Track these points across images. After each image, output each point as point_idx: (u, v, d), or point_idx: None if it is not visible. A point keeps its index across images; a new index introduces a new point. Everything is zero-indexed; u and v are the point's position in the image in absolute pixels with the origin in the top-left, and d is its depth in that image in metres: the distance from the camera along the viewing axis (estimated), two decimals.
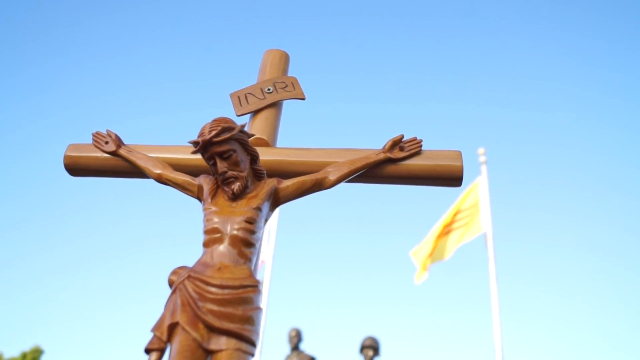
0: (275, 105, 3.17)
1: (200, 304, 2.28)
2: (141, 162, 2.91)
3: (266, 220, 2.66)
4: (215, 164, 2.57)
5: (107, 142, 3.03)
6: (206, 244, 2.50)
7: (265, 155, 2.83)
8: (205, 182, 2.70)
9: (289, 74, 3.36)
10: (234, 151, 2.55)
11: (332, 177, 2.74)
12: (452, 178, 2.84)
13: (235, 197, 2.58)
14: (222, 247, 2.46)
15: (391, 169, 2.83)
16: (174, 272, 2.47)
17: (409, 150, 2.85)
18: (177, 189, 2.80)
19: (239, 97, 3.15)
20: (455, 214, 10.99)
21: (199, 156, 2.65)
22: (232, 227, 2.49)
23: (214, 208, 2.57)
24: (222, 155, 2.54)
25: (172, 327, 2.27)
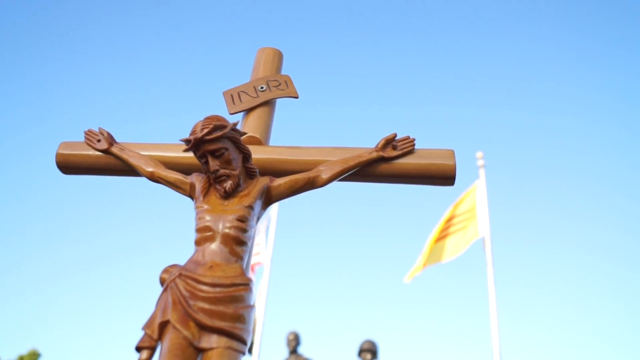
0: (269, 103, 3.16)
1: (191, 302, 2.28)
2: (133, 160, 2.90)
3: (258, 218, 2.66)
4: (207, 162, 2.56)
5: (99, 140, 3.02)
6: (198, 242, 2.49)
7: (257, 153, 2.83)
8: (197, 180, 2.69)
9: (283, 72, 3.36)
10: (226, 149, 2.55)
11: (325, 176, 2.74)
12: (445, 177, 2.84)
13: (227, 195, 2.57)
14: (214, 246, 2.45)
15: (384, 167, 2.83)
16: (165, 271, 2.47)
17: (401, 149, 2.85)
18: (169, 187, 2.79)
19: (231, 96, 3.15)
20: (451, 218, 10.96)
21: (191, 154, 2.64)
22: (224, 226, 2.48)
23: (205, 206, 2.57)
24: (214, 154, 2.54)
25: (163, 326, 2.27)
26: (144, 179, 2.88)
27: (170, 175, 2.78)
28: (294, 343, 10.35)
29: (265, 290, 11.59)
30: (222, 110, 3.14)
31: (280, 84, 3.17)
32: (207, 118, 2.57)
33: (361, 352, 9.90)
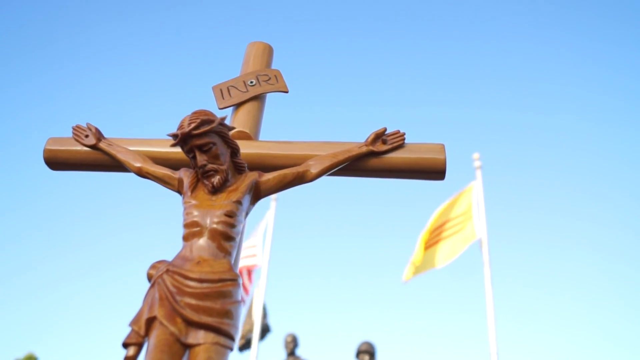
0: (258, 98, 3.14)
1: (178, 297, 2.26)
2: (121, 156, 2.88)
3: (247, 213, 2.64)
4: (194, 157, 2.54)
5: (87, 136, 3.00)
6: (185, 238, 2.48)
7: (246, 148, 2.81)
8: (185, 176, 2.67)
9: (273, 67, 3.34)
10: (214, 144, 2.53)
11: (314, 170, 2.72)
12: (435, 171, 2.83)
13: (215, 190, 2.55)
14: (202, 241, 2.44)
15: (374, 162, 2.81)
16: (153, 266, 2.45)
17: (391, 144, 2.83)
18: (157, 182, 2.77)
19: (221, 90, 3.12)
20: (444, 223, 10.90)
21: (179, 149, 2.62)
22: (212, 221, 2.46)
23: (193, 201, 2.55)
24: (202, 148, 2.52)
25: (150, 322, 2.25)
26: (132, 175, 2.86)
27: (158, 170, 2.76)
28: (292, 345, 10.37)
29: (263, 292, 11.60)
30: (211, 105, 3.12)
31: (270, 79, 3.15)
32: (195, 112, 2.54)
33: (359, 353, 9.91)
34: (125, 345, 2.24)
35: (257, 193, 2.67)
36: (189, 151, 2.55)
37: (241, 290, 2.42)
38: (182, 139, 2.50)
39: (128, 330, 2.27)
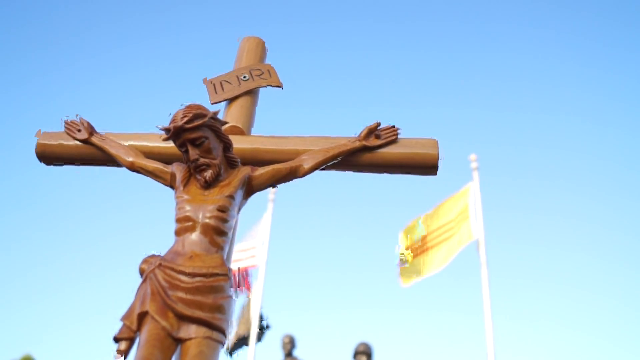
0: (251, 93, 3.13)
1: (170, 292, 2.26)
2: (113, 150, 2.87)
3: (239, 208, 2.64)
4: (187, 151, 2.54)
5: (79, 130, 2.99)
6: (178, 233, 2.47)
7: (239, 143, 2.80)
8: (178, 170, 2.66)
9: (266, 62, 3.33)
10: (206, 138, 2.52)
11: (307, 165, 2.72)
12: (428, 166, 2.82)
13: (207, 185, 2.55)
14: (194, 236, 2.43)
15: (367, 157, 2.81)
16: (145, 261, 2.45)
17: (385, 138, 2.82)
18: (149, 176, 2.76)
19: (214, 85, 3.11)
20: (440, 227, 10.88)
21: (172, 144, 2.61)
22: (204, 216, 2.46)
23: (186, 196, 2.54)
24: (194, 142, 2.51)
25: (142, 316, 2.25)
26: (126, 172, 2.85)
27: (150, 164, 2.75)
28: (289, 346, 10.38)
29: (260, 293, 11.61)
30: (204, 100, 3.11)
31: (263, 73, 3.14)
32: (188, 106, 2.54)
33: (356, 354, 9.92)
34: (117, 339, 2.24)
35: (250, 188, 2.66)
36: (182, 145, 2.54)
37: (233, 285, 2.42)
38: (174, 132, 2.49)
39: (120, 325, 2.28)
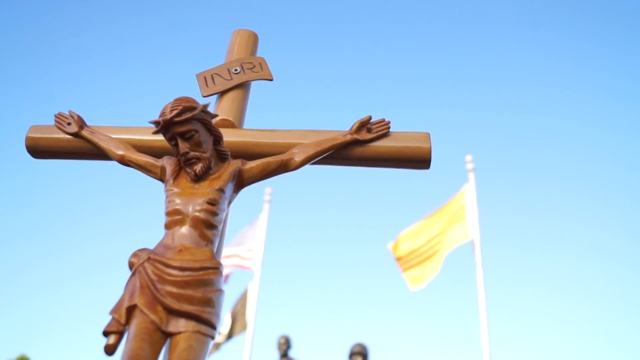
0: (243, 86, 3.11)
1: (159, 286, 2.25)
2: (104, 144, 2.85)
3: (230, 202, 2.62)
4: (177, 145, 2.52)
5: (69, 124, 2.97)
6: (167, 226, 2.46)
7: (230, 136, 2.78)
8: (168, 164, 2.65)
9: (258, 55, 3.31)
10: (196, 131, 2.51)
11: (298, 159, 2.70)
12: (420, 160, 2.81)
13: (197, 178, 2.53)
14: (184, 229, 2.42)
15: (358, 150, 2.79)
16: (134, 255, 2.43)
17: (376, 132, 2.81)
18: (139, 170, 2.74)
19: (205, 78, 3.09)
20: (438, 234, 10.89)
21: (163, 137, 2.59)
22: (194, 209, 2.44)
23: (175, 189, 2.53)
24: (184, 136, 2.50)
25: (131, 310, 2.23)
26: (118, 169, 2.83)
27: (141, 158, 2.74)
28: (285, 347, 10.35)
29: (256, 294, 11.60)
30: (195, 93, 3.09)
31: (254, 66, 3.12)
32: (177, 99, 2.52)
33: (352, 355, 9.89)
34: (106, 333, 2.22)
35: (241, 181, 2.65)
36: (171, 138, 2.53)
37: (223, 279, 2.40)
38: (163, 126, 2.48)
39: (109, 318, 2.26)
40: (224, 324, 11.97)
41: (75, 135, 2.94)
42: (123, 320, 2.22)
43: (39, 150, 3.01)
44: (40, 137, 2.99)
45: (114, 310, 2.26)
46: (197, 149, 2.52)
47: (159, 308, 2.22)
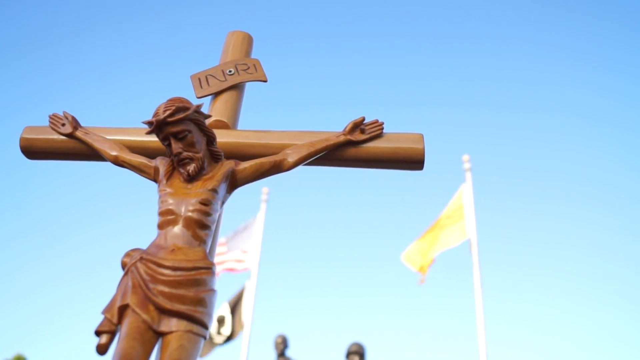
0: (237, 87, 3.12)
1: (151, 285, 2.25)
2: (97, 144, 2.86)
3: (223, 202, 2.63)
4: (170, 145, 2.53)
5: (63, 124, 2.97)
6: (160, 226, 2.46)
7: (224, 137, 2.79)
8: (161, 164, 2.66)
9: (252, 57, 3.32)
10: (189, 132, 2.51)
11: (291, 159, 2.71)
12: (413, 161, 2.81)
13: (190, 178, 2.54)
14: (177, 229, 2.42)
15: (352, 151, 2.80)
16: (127, 254, 2.43)
17: (370, 133, 2.82)
18: (133, 171, 2.75)
19: (199, 79, 3.10)
20: (440, 219, 10.98)
21: (156, 138, 2.60)
22: (187, 209, 2.45)
23: (168, 189, 2.53)
24: (177, 136, 2.50)
25: (123, 309, 2.24)
26: (114, 170, 2.84)
27: (135, 159, 2.74)
28: (282, 346, 10.34)
29: (253, 293, 11.61)
30: (190, 94, 3.10)
31: (248, 68, 3.13)
32: (170, 100, 2.53)
33: (349, 354, 9.89)
34: (98, 333, 2.23)
35: (234, 182, 2.65)
36: (164, 139, 2.53)
37: (215, 279, 2.41)
38: (157, 126, 2.49)
39: (101, 318, 2.26)
40: (225, 326, 11.97)
41: (70, 136, 2.94)
42: (115, 319, 2.23)
43: (33, 151, 3.02)
44: (34, 138, 3.00)
45: (106, 310, 2.26)
46: (190, 149, 2.52)
47: (151, 307, 2.22)
